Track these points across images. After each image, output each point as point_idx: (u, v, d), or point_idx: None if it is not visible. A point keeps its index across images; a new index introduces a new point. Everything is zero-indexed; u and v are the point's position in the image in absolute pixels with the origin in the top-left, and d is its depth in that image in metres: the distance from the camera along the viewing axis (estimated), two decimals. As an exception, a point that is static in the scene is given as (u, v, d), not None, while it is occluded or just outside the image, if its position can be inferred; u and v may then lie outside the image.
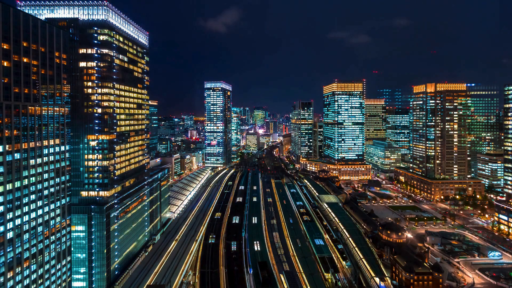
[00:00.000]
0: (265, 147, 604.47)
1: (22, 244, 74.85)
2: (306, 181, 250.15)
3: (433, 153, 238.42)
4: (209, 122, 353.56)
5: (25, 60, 76.98)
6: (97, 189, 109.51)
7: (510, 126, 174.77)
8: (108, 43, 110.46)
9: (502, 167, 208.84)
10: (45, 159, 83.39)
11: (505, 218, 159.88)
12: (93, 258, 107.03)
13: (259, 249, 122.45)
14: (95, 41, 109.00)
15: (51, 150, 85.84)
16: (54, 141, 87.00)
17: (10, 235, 71.23)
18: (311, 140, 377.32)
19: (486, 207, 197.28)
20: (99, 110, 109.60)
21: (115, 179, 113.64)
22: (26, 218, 76.38)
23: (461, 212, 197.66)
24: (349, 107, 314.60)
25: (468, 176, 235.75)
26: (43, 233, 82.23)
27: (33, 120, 79.05)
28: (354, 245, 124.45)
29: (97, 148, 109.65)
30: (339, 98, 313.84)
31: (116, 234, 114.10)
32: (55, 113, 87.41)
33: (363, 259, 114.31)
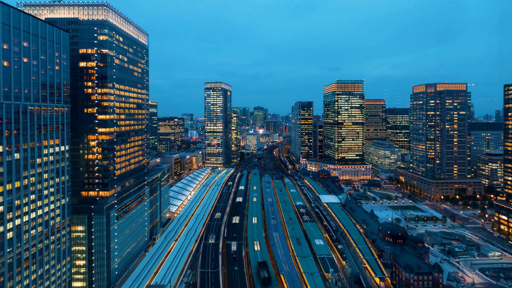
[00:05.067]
0: (265, 147, 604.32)
1: (22, 244, 74.86)
2: (306, 181, 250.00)
3: (433, 153, 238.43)
4: (209, 122, 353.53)
5: (25, 60, 77.02)
6: (97, 189, 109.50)
7: (510, 126, 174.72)
8: (108, 43, 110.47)
9: (502, 167, 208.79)
10: (45, 159, 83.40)
11: (505, 218, 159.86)
12: (93, 258, 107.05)
13: (259, 249, 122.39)
14: (95, 41, 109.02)
15: (51, 150, 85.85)
16: (54, 141, 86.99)
17: (10, 235, 71.25)
18: (311, 140, 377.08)
19: (486, 207, 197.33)
20: (99, 110, 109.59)
21: (115, 179, 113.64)
22: (26, 218, 76.40)
23: (461, 212, 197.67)
24: (349, 107, 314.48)
25: (468, 176, 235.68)
26: (43, 233, 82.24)
27: (33, 120, 79.08)
28: (354, 245, 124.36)
29: (97, 148, 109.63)
30: (339, 98, 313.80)
31: (116, 234, 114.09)
32: (55, 113, 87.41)
33: (363, 259, 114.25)
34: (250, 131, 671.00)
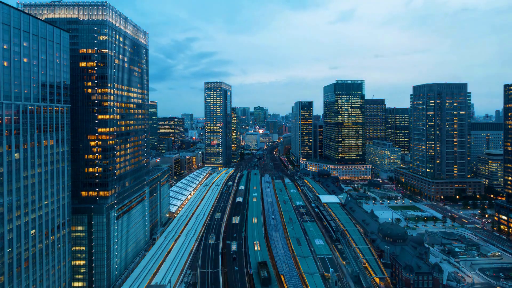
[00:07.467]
0: (265, 147, 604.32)
1: (22, 244, 74.85)
2: (306, 181, 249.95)
3: (433, 153, 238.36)
4: (209, 122, 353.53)
5: (25, 60, 77.02)
6: (97, 189, 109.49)
7: (510, 126, 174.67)
8: (108, 43, 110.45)
9: (502, 167, 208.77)
10: (45, 159, 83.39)
11: (505, 218, 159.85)
12: (93, 258, 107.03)
13: (259, 249, 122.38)
14: (95, 41, 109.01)
15: (51, 150, 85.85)
16: (54, 141, 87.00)
17: (10, 235, 71.25)
18: (311, 140, 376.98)
19: (486, 207, 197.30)
20: (99, 110, 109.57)
21: (115, 179, 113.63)
22: (26, 218, 76.40)
23: (461, 212, 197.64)
24: (349, 107, 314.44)
25: (468, 176, 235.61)
26: (43, 233, 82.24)
27: (33, 120, 79.08)
28: (354, 245, 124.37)
29: (97, 148, 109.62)
30: (339, 98, 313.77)
31: (116, 234, 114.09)
32: (55, 113, 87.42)
33: (363, 259, 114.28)
34: (250, 131, 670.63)
